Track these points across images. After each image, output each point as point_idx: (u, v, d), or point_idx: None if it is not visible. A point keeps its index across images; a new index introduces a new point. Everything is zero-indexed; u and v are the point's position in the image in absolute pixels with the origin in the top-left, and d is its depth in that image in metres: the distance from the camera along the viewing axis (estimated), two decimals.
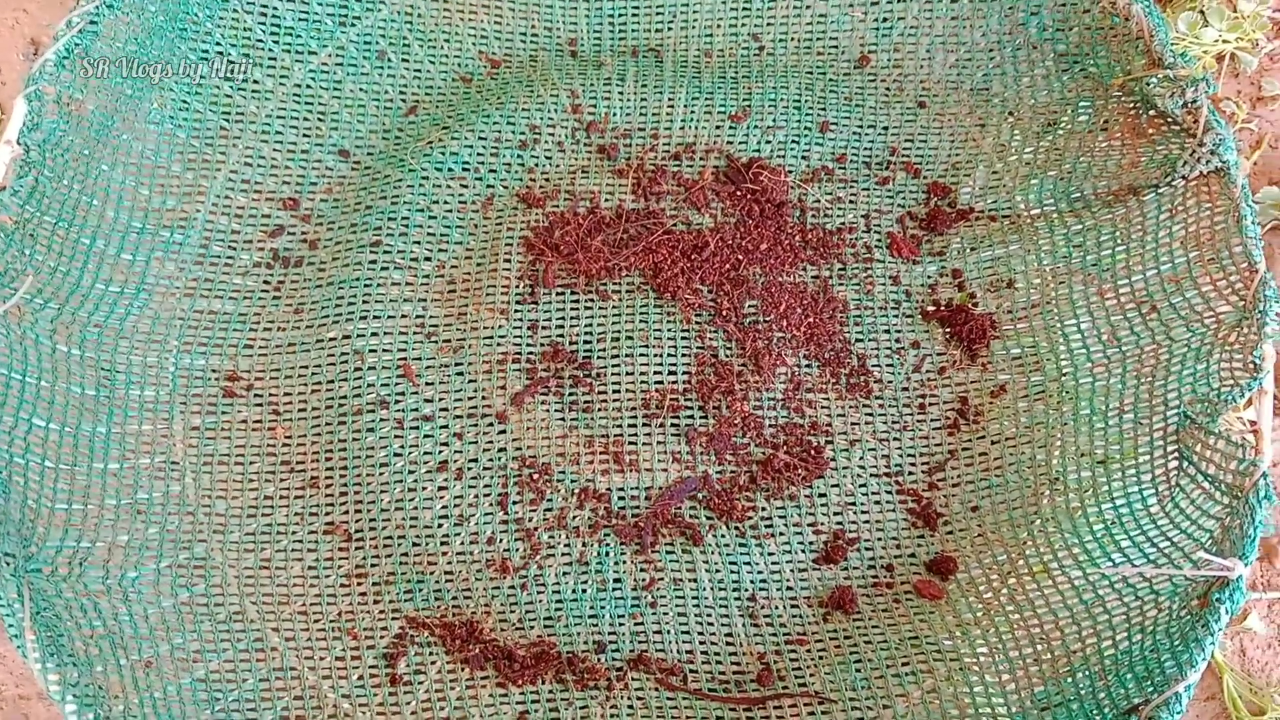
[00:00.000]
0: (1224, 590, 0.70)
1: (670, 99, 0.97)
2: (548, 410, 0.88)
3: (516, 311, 0.90)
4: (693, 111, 0.97)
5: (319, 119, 0.98)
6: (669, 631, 0.82)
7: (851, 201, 0.95)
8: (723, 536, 0.85)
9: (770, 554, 0.84)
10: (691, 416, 0.87)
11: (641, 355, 0.88)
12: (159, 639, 0.78)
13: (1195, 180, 0.85)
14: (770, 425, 0.87)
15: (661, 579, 0.84)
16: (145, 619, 0.78)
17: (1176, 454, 0.80)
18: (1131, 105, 0.90)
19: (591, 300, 0.90)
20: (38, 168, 0.82)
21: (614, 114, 0.98)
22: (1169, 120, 0.87)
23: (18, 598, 0.69)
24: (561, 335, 0.90)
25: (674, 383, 0.88)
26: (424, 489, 0.86)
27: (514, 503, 0.85)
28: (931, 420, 0.89)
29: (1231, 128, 0.99)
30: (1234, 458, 0.74)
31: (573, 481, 0.86)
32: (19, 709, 0.85)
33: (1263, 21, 1.02)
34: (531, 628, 0.82)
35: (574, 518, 0.85)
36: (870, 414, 0.89)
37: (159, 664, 0.77)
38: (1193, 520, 0.77)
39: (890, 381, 0.90)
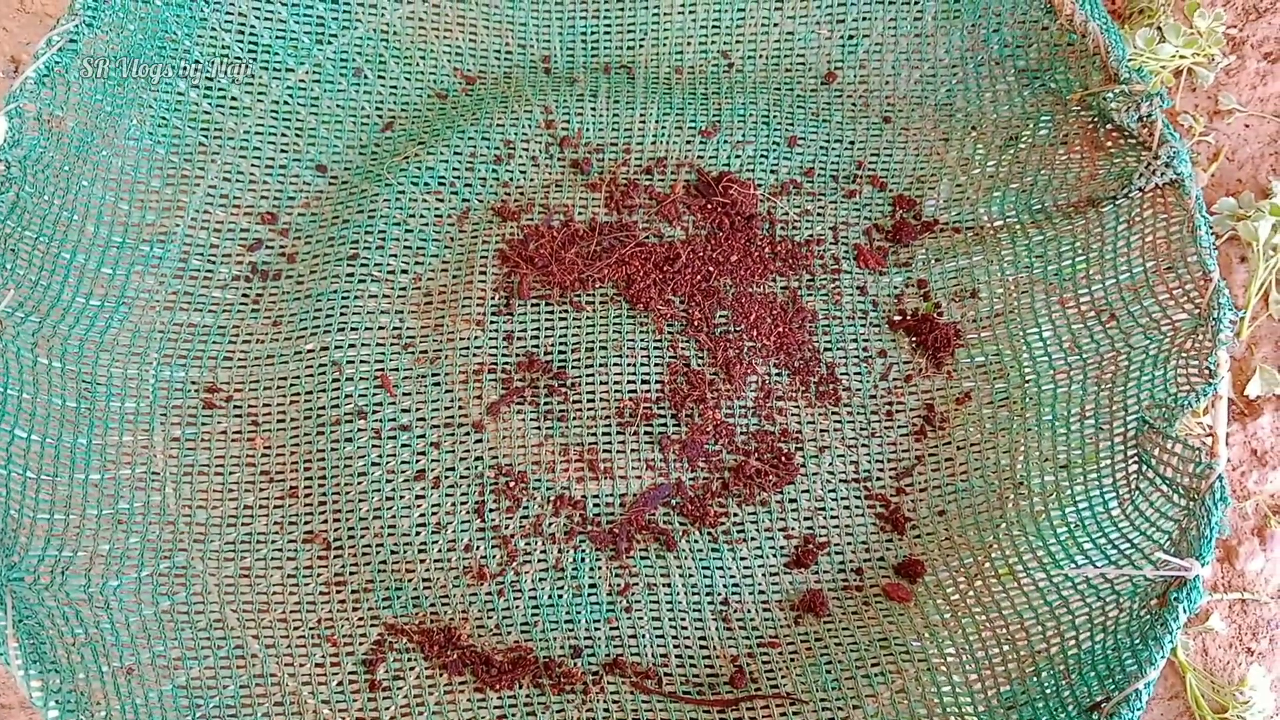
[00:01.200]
0: (1182, 590, 0.72)
1: (642, 114, 1.00)
2: (523, 419, 0.89)
3: (492, 323, 0.92)
4: (664, 127, 0.99)
5: (296, 135, 0.99)
6: (644, 635, 0.84)
7: (819, 214, 0.97)
8: (696, 542, 0.86)
9: (742, 558, 0.86)
10: (665, 424, 0.89)
11: (615, 365, 0.90)
12: (140, 646, 0.79)
13: (1151, 192, 0.88)
14: (742, 433, 0.89)
15: (636, 584, 0.85)
16: (126, 627, 0.79)
17: (1136, 458, 0.83)
18: (1090, 119, 0.93)
19: (566, 311, 0.92)
20: (18, 183, 0.83)
21: (587, 129, 1.00)
22: (1125, 134, 0.89)
23: (0, 605, 0.70)
24: (536, 345, 0.91)
25: (647, 391, 0.90)
26: (402, 497, 0.87)
27: (491, 510, 0.87)
28: (899, 427, 0.91)
29: (1189, 141, 1.02)
30: (1191, 461, 0.77)
31: (548, 489, 0.87)
32: (1, 718, 0.85)
33: (1218, 37, 1.05)
34: (509, 633, 0.84)
35: (550, 525, 0.87)
36: (839, 421, 0.91)
37: (140, 671, 0.78)
38: (1152, 522, 0.79)
39: (858, 389, 0.92)
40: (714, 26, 1.04)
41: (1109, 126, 0.91)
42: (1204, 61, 1.05)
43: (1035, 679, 0.78)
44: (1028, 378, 0.90)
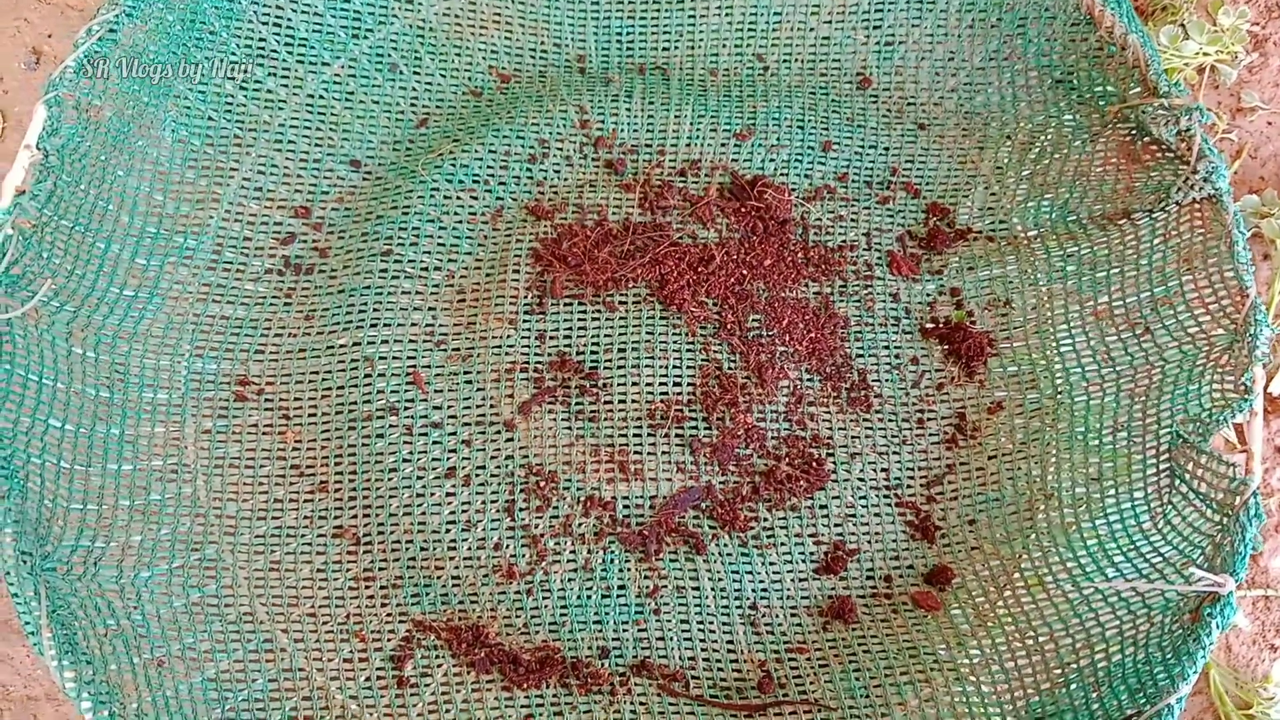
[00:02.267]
0: (1215, 605, 0.72)
1: (677, 116, 0.99)
2: (554, 419, 0.89)
3: (525, 321, 0.92)
4: (698, 129, 0.99)
5: (331, 129, 0.99)
6: (672, 638, 0.84)
7: (853, 220, 0.97)
8: (725, 546, 0.86)
9: (771, 563, 0.86)
10: (695, 427, 0.89)
11: (647, 366, 0.90)
12: (170, 638, 0.79)
13: (1188, 206, 0.87)
14: (773, 437, 0.89)
15: (665, 586, 0.85)
16: (157, 618, 0.79)
17: (1169, 472, 0.82)
18: (1127, 132, 0.92)
19: (598, 311, 0.92)
20: (56, 173, 0.83)
21: (621, 130, 0.99)
22: (1164, 147, 0.89)
23: (35, 596, 0.70)
24: (569, 345, 0.91)
25: (679, 394, 0.90)
26: (432, 494, 0.87)
27: (520, 509, 0.87)
28: (930, 435, 0.91)
29: (1214, 137, 1.02)
30: (1225, 476, 0.77)
31: (578, 489, 0.87)
32: (27, 709, 0.85)
33: (1241, 35, 1.05)
34: (537, 632, 0.84)
35: (579, 525, 0.87)
36: (870, 428, 0.91)
37: (170, 663, 0.78)
38: (1184, 537, 0.79)
39: (890, 396, 0.92)
40: (749, 29, 1.04)
41: (1147, 139, 0.91)
42: (1227, 59, 1.05)
43: (1064, 691, 0.78)
44: (1060, 389, 0.90)
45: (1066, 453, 0.88)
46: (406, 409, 0.89)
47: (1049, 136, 0.97)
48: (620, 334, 0.91)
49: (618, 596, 0.85)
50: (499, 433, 0.89)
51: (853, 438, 0.90)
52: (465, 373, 0.91)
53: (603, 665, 0.83)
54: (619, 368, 0.90)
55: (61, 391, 0.81)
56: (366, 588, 0.85)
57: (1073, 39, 0.96)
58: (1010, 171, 0.98)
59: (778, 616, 0.85)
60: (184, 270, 0.92)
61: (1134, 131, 0.92)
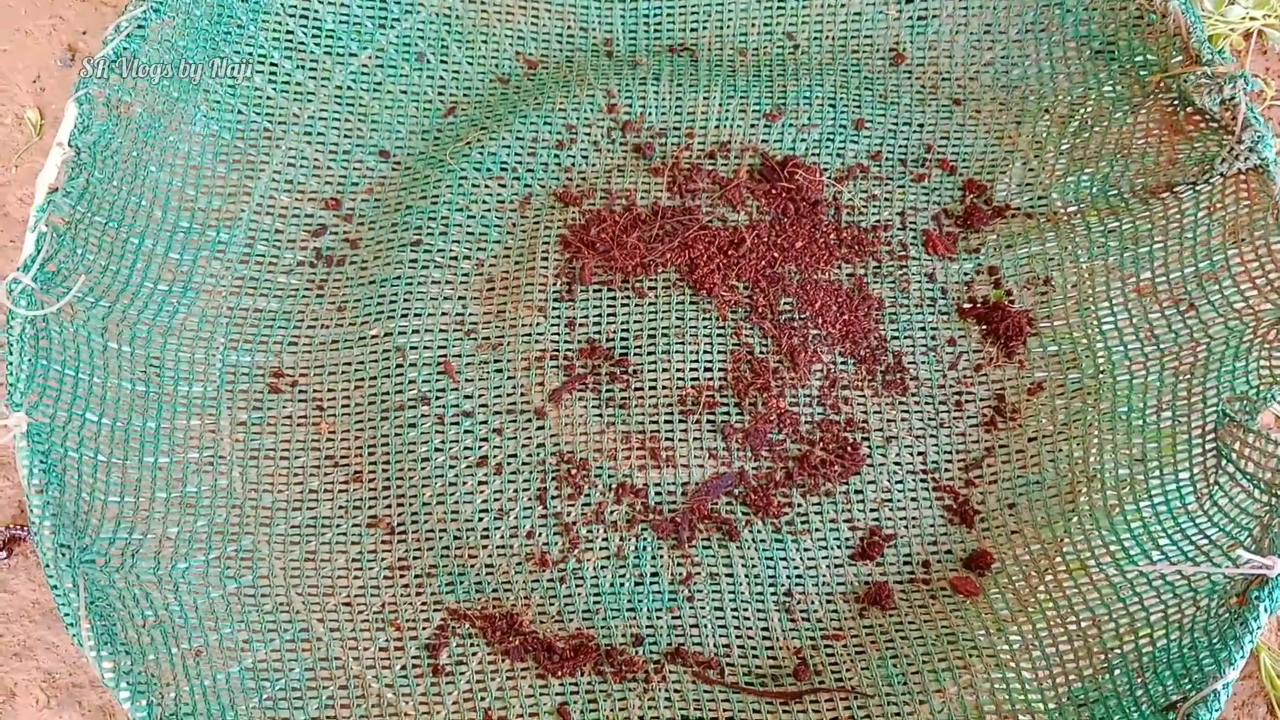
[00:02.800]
0: (1263, 588, 0.70)
1: (705, 98, 0.98)
2: (585, 406, 0.89)
3: (554, 309, 0.91)
4: (727, 110, 0.98)
5: (359, 120, 0.99)
6: (706, 625, 0.83)
7: (887, 199, 0.95)
8: (759, 532, 0.85)
9: (806, 550, 0.85)
10: (727, 413, 0.88)
11: (677, 352, 0.89)
12: (208, 628, 0.80)
13: (1233, 177, 0.85)
14: (806, 422, 0.88)
15: (699, 574, 0.84)
16: (195, 609, 0.80)
17: (1215, 452, 0.80)
18: (1169, 102, 0.90)
19: (628, 297, 0.91)
20: (88, 169, 0.83)
21: (649, 113, 0.98)
22: (1207, 117, 0.86)
23: (74, 587, 0.70)
24: (599, 332, 0.91)
25: (710, 379, 0.89)
26: (464, 483, 0.87)
27: (553, 497, 0.87)
28: (968, 417, 0.89)
29: (1260, 105, 0.99)
30: (1274, 455, 0.74)
31: (610, 477, 0.87)
32: (73, 696, 0.87)
33: None
34: (570, 620, 0.83)
35: (612, 512, 0.86)
36: (906, 411, 0.89)
37: (208, 653, 0.79)
38: (1231, 518, 0.77)
39: (926, 379, 0.90)
40: (779, 7, 1.02)
41: (1189, 109, 0.88)
42: (1275, 23, 1.01)
43: (1108, 676, 0.76)
44: (1102, 368, 0.87)
45: (1109, 433, 0.85)
46: (438, 398, 0.89)
47: (1089, 109, 0.95)
48: (650, 320, 0.90)
49: (651, 584, 0.84)
50: (530, 421, 0.89)
51: (888, 421, 0.89)
52: (495, 361, 0.91)
53: (636, 653, 0.82)
54: (649, 354, 0.89)
55: (98, 386, 0.82)
56: (401, 577, 0.85)
57: (1112, 7, 0.93)
58: (1049, 145, 0.95)
59: (813, 603, 0.84)
60: (217, 264, 0.92)
61: (1176, 101, 0.89)
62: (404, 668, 0.82)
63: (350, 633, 0.83)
